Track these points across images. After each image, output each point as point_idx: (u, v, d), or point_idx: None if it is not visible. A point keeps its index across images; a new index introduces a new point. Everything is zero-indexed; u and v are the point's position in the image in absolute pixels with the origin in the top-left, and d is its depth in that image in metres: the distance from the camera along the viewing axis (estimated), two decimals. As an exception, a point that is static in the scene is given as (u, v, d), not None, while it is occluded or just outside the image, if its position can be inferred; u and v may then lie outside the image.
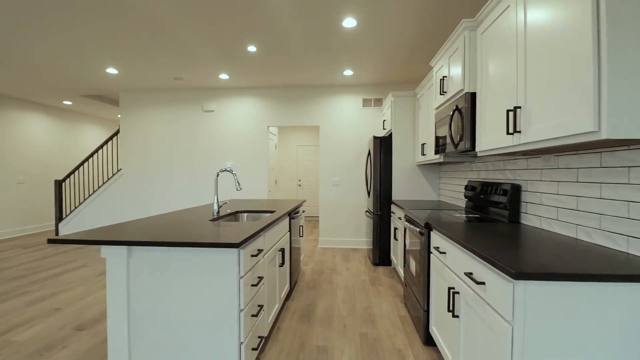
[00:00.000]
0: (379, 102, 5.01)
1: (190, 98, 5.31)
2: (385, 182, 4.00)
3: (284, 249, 2.48)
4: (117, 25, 3.06)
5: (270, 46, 3.51)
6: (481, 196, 2.44)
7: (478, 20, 2.02)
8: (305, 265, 4.02)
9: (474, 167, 2.81)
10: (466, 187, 2.75)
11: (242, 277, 1.59)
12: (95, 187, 7.24)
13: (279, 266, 2.44)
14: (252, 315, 1.73)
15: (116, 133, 5.70)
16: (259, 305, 1.86)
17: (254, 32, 3.18)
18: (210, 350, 1.58)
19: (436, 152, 2.76)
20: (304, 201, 3.70)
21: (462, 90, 2.18)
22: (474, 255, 1.41)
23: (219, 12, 2.81)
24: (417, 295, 2.35)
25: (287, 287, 2.78)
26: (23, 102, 6.08)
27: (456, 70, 2.27)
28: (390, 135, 4.06)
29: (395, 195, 3.94)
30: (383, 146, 4.01)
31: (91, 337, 2.33)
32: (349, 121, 5.04)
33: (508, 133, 1.61)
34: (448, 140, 2.44)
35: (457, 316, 1.57)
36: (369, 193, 4.35)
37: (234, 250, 1.54)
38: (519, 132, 1.56)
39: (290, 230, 2.89)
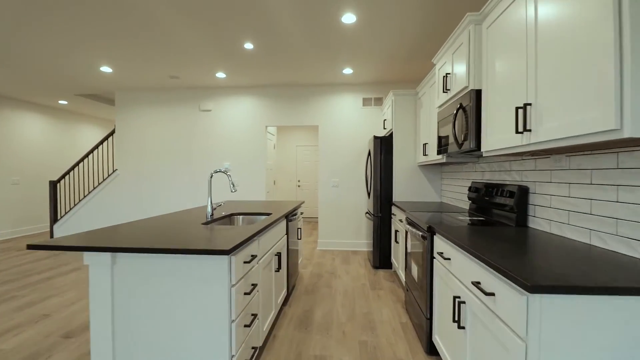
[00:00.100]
0: (379, 101, 4.91)
1: (187, 97, 5.21)
2: (386, 183, 3.90)
3: (280, 253, 2.37)
4: (110, 23, 2.97)
5: (268, 43, 3.42)
6: (486, 198, 2.34)
7: (484, 13, 1.92)
8: (303, 269, 3.92)
9: (478, 168, 2.71)
10: (470, 189, 2.66)
11: (233, 285, 1.49)
12: (91, 188, 7.14)
13: (275, 271, 2.34)
14: (245, 326, 1.63)
15: (112, 133, 5.60)
16: (252, 314, 1.76)
17: (250, 29, 3.08)
18: (199, 363, 1.48)
19: (439, 153, 2.66)
20: (302, 202, 3.60)
21: (466, 87, 2.08)
22: (482, 264, 1.31)
23: (214, 8, 2.72)
24: (419, 301, 2.25)
25: (284, 292, 2.69)
26: (18, 101, 5.99)
27: (460, 67, 2.17)
28: (391, 134, 3.96)
29: (396, 197, 3.84)
30: (383, 146, 3.91)
31: (78, 345, 2.23)
32: (348, 121, 4.94)
33: (517, 132, 1.51)
34: (451, 139, 2.34)
35: (463, 327, 1.47)
36: (369, 194, 4.25)
37: (225, 257, 1.44)
38: (529, 130, 1.46)
39: (287, 234, 2.79)
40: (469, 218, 2.31)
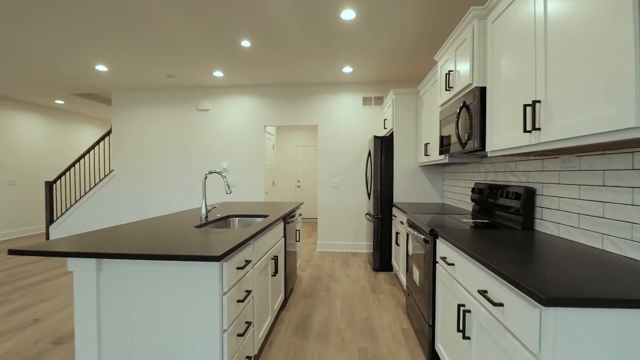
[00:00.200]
0: (379, 100, 4.82)
1: (184, 97, 5.13)
2: (386, 183, 3.82)
3: (277, 256, 2.29)
4: (106, 21, 2.89)
5: (265, 41, 3.34)
6: (490, 200, 2.26)
7: (488, 7, 1.84)
8: (302, 271, 3.84)
9: (482, 168, 2.63)
10: (473, 190, 2.57)
11: (225, 293, 1.41)
12: (88, 189, 7.07)
13: (272, 276, 2.26)
14: (238, 335, 1.55)
15: (108, 133, 5.52)
16: (246, 322, 1.68)
17: (247, 25, 3.00)
18: (189, 376, 1.40)
19: (441, 153, 2.58)
20: (301, 204, 3.52)
21: (470, 84, 2.00)
22: (489, 271, 1.23)
23: (210, 5, 2.64)
24: (420, 307, 2.17)
25: (281, 297, 2.61)
26: (14, 101, 5.91)
27: (463, 64, 2.09)
28: (392, 134, 3.88)
29: (397, 198, 3.76)
30: (384, 146, 3.83)
31: (68, 352, 2.15)
32: (348, 120, 4.86)
33: (525, 131, 1.43)
34: (454, 139, 2.26)
35: (469, 338, 1.39)
36: (369, 195, 4.17)
37: (215, 264, 1.36)
38: (539, 129, 1.37)
39: (285, 236, 2.71)
40: (472, 220, 2.22)
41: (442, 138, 2.57)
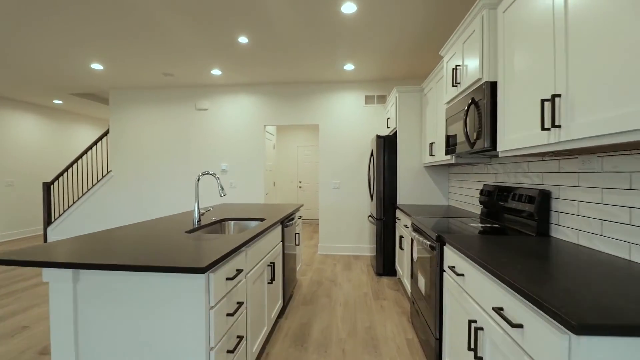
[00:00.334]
0: (382, 99, 4.69)
1: (182, 96, 5.03)
2: (390, 184, 3.68)
3: (274, 263, 2.17)
4: (100, 18, 2.78)
5: (263, 36, 3.21)
6: (500, 203, 2.12)
7: (500, -5, 1.70)
8: (302, 275, 3.72)
9: (490, 169, 2.49)
10: (481, 192, 2.43)
11: (212, 307, 1.29)
12: (86, 190, 7.00)
13: (268, 283, 2.14)
14: (228, 352, 1.42)
15: (106, 133, 5.43)
16: (238, 337, 1.55)
17: (243, 20, 2.88)
18: (172, 398, 1.28)
19: (447, 153, 2.44)
20: (301, 206, 3.40)
21: (479, 79, 1.86)
22: (506, 287, 1.09)
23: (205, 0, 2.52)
24: (426, 317, 2.03)
25: (279, 304, 2.48)
26: (12, 101, 5.85)
27: (472, 57, 1.95)
28: (395, 134, 3.74)
29: (401, 199, 3.62)
30: (387, 146, 3.69)
31: (53, 364, 2.04)
32: (350, 119, 4.73)
33: (543, 128, 1.29)
34: (461, 138, 2.12)
35: (481, 358, 1.25)
36: (371, 196, 4.03)
37: (200, 276, 1.23)
38: (558, 126, 1.23)
39: (283, 240, 2.58)
40: (481, 225, 2.08)
41: (448, 137, 2.43)
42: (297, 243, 3.25)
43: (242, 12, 2.74)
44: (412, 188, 3.61)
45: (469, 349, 1.29)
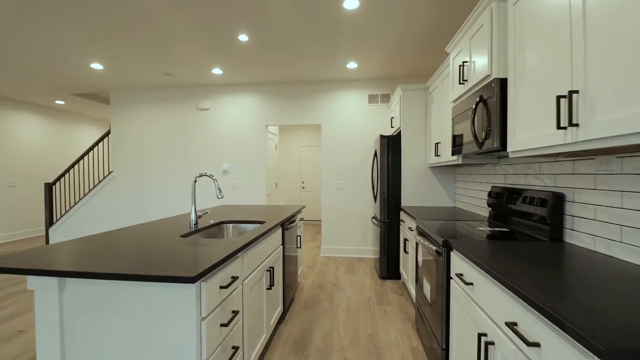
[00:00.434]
0: (386, 98, 4.59)
1: (183, 96, 4.97)
2: (394, 185, 3.59)
3: (273, 267, 2.09)
4: (99, 18, 2.73)
5: (263, 34, 3.14)
6: (509, 205, 2.03)
7: (510, -14, 1.61)
8: (304, 278, 3.64)
9: (499, 170, 2.39)
10: (489, 194, 2.34)
11: (204, 318, 1.21)
12: (88, 190, 6.99)
13: (267, 289, 2.06)
14: (222, 364, 1.35)
15: (107, 134, 5.40)
16: (233, 347, 1.48)
17: (243, 18, 2.81)
18: (162, 414, 1.20)
19: (453, 153, 2.35)
20: (303, 207, 3.32)
21: (488, 76, 1.77)
22: (520, 300, 1.00)
23: (200, -7, 2.45)
24: (432, 325, 1.94)
25: (279, 309, 2.41)
26: (14, 101, 5.84)
27: (480, 53, 1.86)
28: (399, 133, 3.65)
29: (405, 201, 3.53)
30: (391, 146, 3.60)
31: (46, 371, 1.98)
32: (353, 119, 4.64)
33: (559, 127, 1.20)
34: (468, 138, 2.03)
35: (491, 375, 1.16)
36: (375, 198, 3.94)
37: (191, 285, 1.16)
38: (576, 125, 1.14)
39: (283, 244, 2.51)
40: (489, 229, 1.99)
41: (454, 137, 2.34)
42: (299, 246, 3.17)
43: (242, 10, 2.66)
44: (416, 189, 3.52)
45: (479, 364, 1.20)
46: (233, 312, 1.46)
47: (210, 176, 2.12)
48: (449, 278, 1.69)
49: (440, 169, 3.48)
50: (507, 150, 1.65)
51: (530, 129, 1.44)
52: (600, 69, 1.04)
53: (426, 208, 3.20)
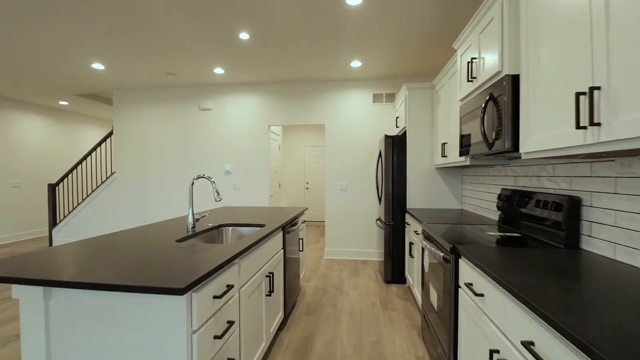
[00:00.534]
0: (391, 97, 4.49)
1: (185, 96, 4.93)
2: (399, 187, 3.50)
3: (273, 273, 2.02)
4: (97, 16, 2.68)
5: (264, 32, 3.07)
6: (520, 209, 1.93)
7: (523, -23, 1.51)
8: (307, 282, 3.56)
9: (509, 172, 2.28)
10: (499, 197, 2.23)
11: (196, 331, 1.14)
12: (91, 191, 6.99)
13: (267, 295, 1.99)
14: (216, 378, 1.27)
15: (110, 134, 5.38)
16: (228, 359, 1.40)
17: (243, 16, 2.74)
18: None
19: (461, 154, 2.25)
20: (305, 209, 3.24)
21: (499, 73, 1.67)
22: (537, 316, 0.91)
23: (199, -10, 2.39)
24: (439, 334, 1.85)
25: (280, 315, 2.33)
26: (18, 102, 5.85)
27: (490, 49, 1.76)
28: (404, 133, 3.55)
29: (410, 203, 3.43)
30: (396, 146, 3.50)
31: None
32: (357, 119, 4.55)
33: (579, 127, 1.10)
34: (477, 138, 1.93)
35: (505, 395, 1.07)
36: (380, 199, 3.85)
37: (180, 297, 1.08)
38: (598, 124, 1.05)
39: (284, 248, 2.43)
40: (499, 234, 1.89)
41: (462, 137, 2.24)
42: (301, 249, 3.10)
43: (243, 7, 2.59)
44: (422, 191, 3.42)
45: (491, 383, 1.11)
46: (228, 322, 1.39)
47: (208, 178, 2.05)
48: (457, 287, 1.59)
49: (447, 170, 3.38)
50: (520, 152, 1.55)
51: (545, 128, 1.34)
52: (625, 63, 0.95)
53: (432, 210, 3.11)
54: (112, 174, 5.18)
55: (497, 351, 1.12)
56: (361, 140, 4.54)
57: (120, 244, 1.64)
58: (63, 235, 5.37)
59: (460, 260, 1.56)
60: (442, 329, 1.78)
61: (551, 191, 1.79)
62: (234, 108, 4.80)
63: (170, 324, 1.10)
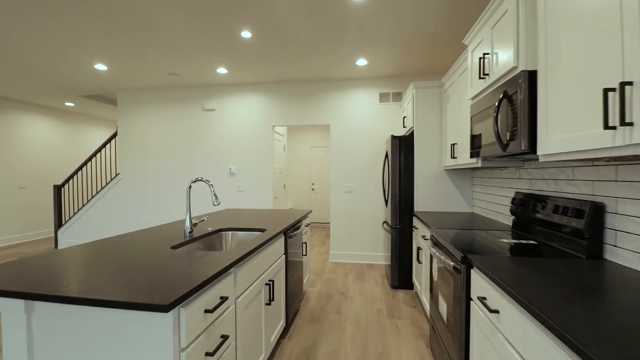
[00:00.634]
0: (398, 96, 4.37)
1: (189, 96, 4.88)
2: (406, 189, 3.38)
3: (273, 281, 1.93)
4: (98, 16, 2.63)
5: (266, 29, 2.98)
6: (536, 214, 1.80)
7: (541, -36, 1.39)
8: (311, 287, 3.46)
9: (524, 174, 2.16)
10: (513, 201, 2.11)
11: (184, 349, 1.06)
12: (96, 192, 7.01)
13: (266, 304, 1.90)
14: (208, 398, 1.19)
15: (114, 135, 5.36)
16: (222, 377, 1.31)
17: (245, 13, 2.66)
18: None
19: (472, 155, 2.13)
20: (309, 212, 3.15)
21: (514, 68, 1.56)
22: (563, 344, 0.80)
23: (199, -14, 2.31)
24: (448, 347, 1.74)
25: (281, 324, 2.24)
26: (25, 104, 5.87)
27: (504, 43, 1.65)
28: (412, 134, 3.44)
29: (418, 206, 3.31)
30: (403, 147, 3.39)
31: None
32: (363, 119, 4.44)
33: (607, 127, 0.99)
34: (490, 139, 1.81)
35: None
36: (386, 202, 3.73)
37: (165, 315, 1.00)
38: (630, 124, 0.93)
39: (286, 253, 2.34)
40: (514, 241, 1.77)
41: (473, 137, 2.12)
42: (305, 253, 3.00)
43: (244, 4, 2.51)
44: (430, 193, 3.30)
45: (508, 411, 1.00)
46: (222, 336, 1.30)
47: (206, 181, 1.97)
48: (469, 299, 1.48)
49: (457, 172, 3.25)
50: (537, 154, 1.43)
51: (567, 129, 1.22)
52: (666, 53, 0.83)
53: (441, 214, 2.98)
54: (116, 175, 5.16)
55: (515, 376, 1.01)
56: (367, 140, 4.43)
57: (111, 251, 1.56)
58: (68, 237, 5.37)
59: (472, 270, 1.44)
60: (452, 343, 1.67)
61: (571, 196, 1.66)
62: (238, 108, 4.74)
63: (156, 342, 1.01)
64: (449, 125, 2.99)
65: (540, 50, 1.40)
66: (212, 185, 1.96)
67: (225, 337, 1.29)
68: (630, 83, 0.93)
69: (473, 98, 2.16)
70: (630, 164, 1.31)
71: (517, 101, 1.51)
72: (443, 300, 1.86)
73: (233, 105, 4.75)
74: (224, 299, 1.28)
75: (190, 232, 1.96)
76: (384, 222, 3.91)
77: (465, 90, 2.52)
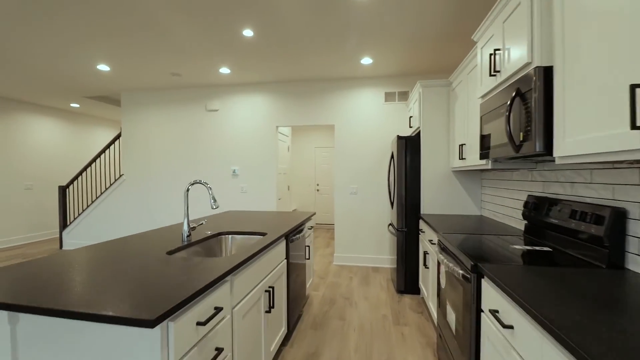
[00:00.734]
0: (404, 95, 4.28)
1: (192, 97, 4.84)
2: (412, 191, 3.28)
3: (273, 287, 1.85)
4: (98, 16, 2.59)
5: (268, 28, 2.92)
6: (551, 219, 1.70)
7: (557, -48, 1.30)
8: (314, 290, 3.39)
9: (537, 176, 2.06)
10: (526, 204, 2.01)
11: (173, 365, 0.99)
12: (101, 193, 7.02)
13: (266, 312, 1.82)
14: (200, 415, 1.12)
15: (118, 136, 5.35)
16: (217, 391, 1.24)
17: (245, 11, 2.60)
18: None
19: (482, 157, 2.04)
20: (313, 214, 3.07)
21: (528, 64, 1.46)
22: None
23: (198, -17, 2.25)
24: (456, 358, 1.65)
25: (282, 331, 2.17)
26: (31, 105, 5.90)
27: (517, 38, 1.55)
28: (418, 134, 3.34)
29: (425, 208, 3.22)
30: (409, 147, 3.29)
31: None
32: (368, 119, 4.35)
33: (634, 127, 0.89)
34: (502, 139, 1.72)
35: None
36: (392, 204, 3.64)
37: (151, 330, 0.93)
38: (662, 124, 0.84)
39: (287, 257, 2.27)
40: (527, 247, 1.68)
41: (483, 138, 2.02)
42: (308, 257, 2.93)
43: (245, 3, 2.45)
44: (438, 195, 3.20)
45: None
46: (217, 349, 1.23)
47: (205, 184, 1.91)
48: (479, 310, 1.39)
49: (465, 173, 3.15)
50: (553, 155, 1.34)
51: (587, 129, 1.13)
52: None
53: (449, 216, 2.89)
54: (120, 176, 5.15)
55: (532, 400, 0.92)
56: (372, 141, 4.34)
57: (105, 257, 1.51)
58: (73, 237, 5.37)
59: (482, 280, 1.35)
60: (460, 356, 1.58)
61: (589, 200, 1.56)
62: (241, 109, 4.68)
63: (143, 358, 0.94)
64: (457, 125, 2.89)
65: (556, 45, 1.31)
66: (211, 188, 1.89)
67: (220, 350, 1.22)
68: (661, 78, 0.84)
69: (483, 97, 2.06)
70: (656, 167, 1.21)
71: (531, 99, 1.41)
72: (451, 309, 1.77)
73: (236, 105, 4.70)
74: (218, 310, 1.21)
75: (188, 236, 1.90)
76: (390, 224, 3.82)
77: (474, 88, 2.43)
